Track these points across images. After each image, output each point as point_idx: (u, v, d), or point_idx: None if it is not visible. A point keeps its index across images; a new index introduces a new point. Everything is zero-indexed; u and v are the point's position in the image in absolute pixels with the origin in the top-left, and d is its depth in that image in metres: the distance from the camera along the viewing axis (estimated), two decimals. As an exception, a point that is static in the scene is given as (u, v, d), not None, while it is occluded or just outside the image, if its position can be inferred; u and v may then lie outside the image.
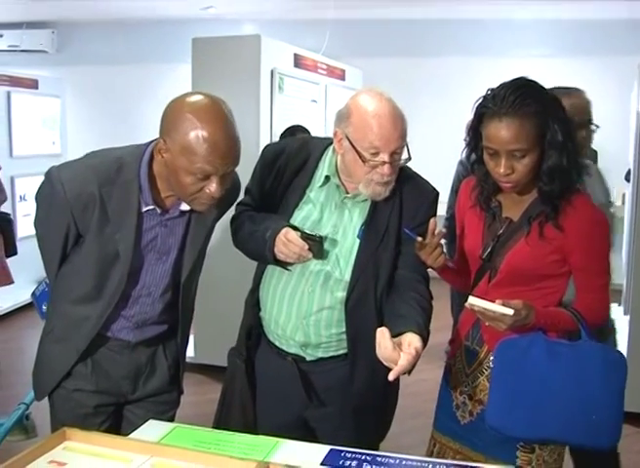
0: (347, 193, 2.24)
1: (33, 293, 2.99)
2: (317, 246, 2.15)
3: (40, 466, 1.78)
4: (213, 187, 1.96)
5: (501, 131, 2.02)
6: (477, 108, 2.13)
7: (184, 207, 2.12)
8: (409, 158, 2.18)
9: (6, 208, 5.84)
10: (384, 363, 1.94)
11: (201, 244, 2.24)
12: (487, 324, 2.06)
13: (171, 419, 2.34)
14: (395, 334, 1.97)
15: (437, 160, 6.08)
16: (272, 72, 5.16)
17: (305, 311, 2.24)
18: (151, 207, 2.08)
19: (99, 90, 9.79)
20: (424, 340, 2.00)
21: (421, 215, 2.26)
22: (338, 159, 2.24)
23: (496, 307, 1.97)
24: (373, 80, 7.45)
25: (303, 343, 2.27)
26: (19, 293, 6.92)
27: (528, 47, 8.37)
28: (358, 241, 2.23)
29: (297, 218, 2.26)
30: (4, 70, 7.40)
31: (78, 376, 2.22)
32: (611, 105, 7.71)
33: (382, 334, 1.95)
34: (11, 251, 5.77)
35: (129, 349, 2.25)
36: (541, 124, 2.03)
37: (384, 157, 2.09)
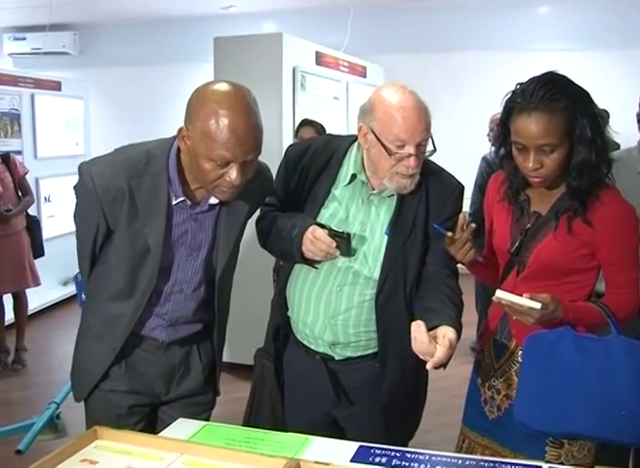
0: (373, 190, 2.23)
1: (75, 277, 2.98)
2: (345, 243, 2.14)
3: (72, 465, 1.79)
4: (233, 175, 1.94)
5: (530, 125, 2.00)
6: (506, 103, 2.11)
7: (213, 200, 2.11)
8: (434, 150, 2.17)
9: (32, 209, 5.90)
10: (421, 356, 1.94)
11: (234, 240, 2.22)
12: (514, 318, 2.05)
13: (205, 421, 2.31)
14: (429, 329, 1.96)
15: (460, 155, 6.03)
16: (294, 70, 5.17)
17: (333, 310, 2.24)
18: (181, 199, 2.07)
19: (121, 90, 9.85)
20: (458, 333, 2.00)
21: (448, 210, 2.25)
22: (363, 155, 2.24)
23: (523, 301, 1.95)
24: (394, 76, 7.44)
25: (332, 342, 2.27)
26: (46, 294, 6.99)
27: (548, 41, 8.31)
28: (386, 237, 2.22)
29: (323, 217, 2.25)
30: (28, 73, 7.49)
31: (113, 377, 2.22)
32: (631, 98, 7.66)
33: (418, 328, 1.94)
34: (38, 252, 5.84)
35: (162, 349, 2.24)
36: (571, 119, 2.01)
37: (410, 149, 2.08)
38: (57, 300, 7.28)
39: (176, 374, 2.28)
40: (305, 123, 4.78)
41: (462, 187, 2.31)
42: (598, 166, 2.06)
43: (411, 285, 2.23)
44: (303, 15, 8.80)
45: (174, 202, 2.07)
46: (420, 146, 2.10)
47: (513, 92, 2.09)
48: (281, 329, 2.41)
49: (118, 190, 2.02)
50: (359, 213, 2.25)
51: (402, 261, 2.21)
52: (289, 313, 2.37)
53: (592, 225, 2.07)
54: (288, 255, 2.27)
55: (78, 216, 2.16)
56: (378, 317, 2.22)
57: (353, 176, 2.24)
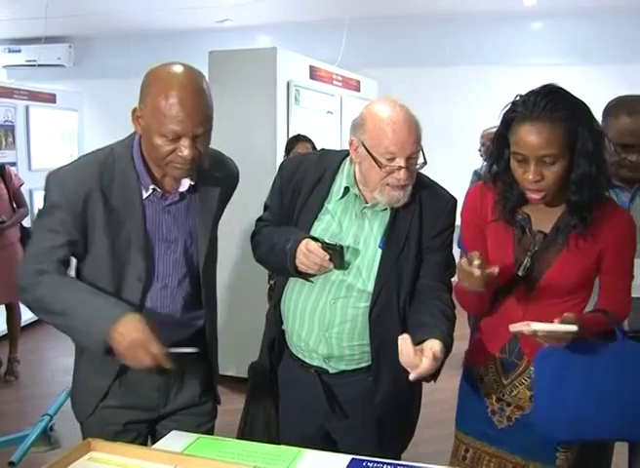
0: (367, 203, 2.25)
1: None
2: (338, 256, 2.15)
3: (65, 477, 1.80)
4: (184, 149, 1.96)
5: (532, 135, 1.97)
6: (505, 114, 2.08)
7: (183, 187, 2.13)
8: (425, 162, 2.19)
9: (26, 221, 5.90)
10: (407, 368, 1.95)
11: (210, 229, 2.22)
12: (546, 344, 2.03)
13: (209, 432, 2.31)
14: (418, 342, 1.98)
15: (452, 169, 6.06)
16: (288, 84, 5.20)
17: (328, 323, 2.25)
18: (152, 187, 2.08)
19: (115, 103, 9.81)
20: (448, 347, 2.02)
21: (441, 224, 2.27)
22: (355, 169, 2.26)
23: (560, 327, 1.94)
24: (388, 91, 7.49)
25: (326, 356, 2.28)
26: (38, 306, 6.96)
27: (541, 56, 8.35)
28: (380, 251, 2.23)
29: (316, 230, 2.26)
30: (22, 85, 7.50)
31: (107, 393, 2.20)
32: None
33: (404, 341, 1.96)
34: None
35: None
36: (572, 130, 1.98)
37: (401, 162, 2.10)
38: (49, 312, 7.26)
39: (172, 385, 2.24)
40: (302, 138, 4.79)
41: (455, 201, 2.32)
42: (598, 180, 2.05)
43: (404, 298, 2.24)
44: (298, 29, 8.85)
45: (145, 195, 2.08)
46: (410, 159, 2.11)
47: (513, 103, 2.07)
48: (276, 342, 2.41)
49: (90, 190, 2.02)
50: (352, 226, 2.26)
51: (396, 275, 2.22)
52: (284, 327, 2.38)
53: (599, 239, 2.08)
54: (282, 269, 2.28)
55: (44, 225, 2.10)
56: (371, 330, 2.23)
57: (346, 190, 2.26)
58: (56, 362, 6.02)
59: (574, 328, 1.93)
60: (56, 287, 2.01)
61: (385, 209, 2.24)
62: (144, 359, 1.87)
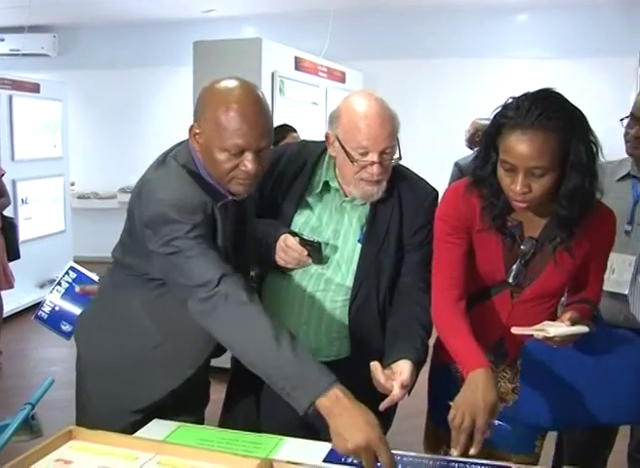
0: (346, 197, 2.25)
1: (39, 317, 2.88)
2: (316, 251, 2.16)
3: (46, 465, 1.80)
4: (248, 163, 1.92)
5: (523, 144, 1.84)
6: (496, 117, 1.95)
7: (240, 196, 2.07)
8: (399, 158, 2.18)
9: (8, 211, 5.87)
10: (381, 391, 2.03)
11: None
12: (556, 346, 2.00)
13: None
14: (391, 361, 2.07)
15: (437, 162, 6.08)
16: (273, 75, 5.20)
17: (306, 316, 2.25)
18: (229, 198, 2.03)
19: (100, 93, 9.81)
20: (421, 362, 2.11)
21: (421, 218, 2.25)
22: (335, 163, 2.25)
23: (575, 330, 1.95)
24: (373, 82, 7.49)
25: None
26: (20, 296, 6.95)
27: (527, 48, 8.38)
28: (359, 245, 2.23)
29: (296, 224, 2.26)
30: (6, 74, 7.44)
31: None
32: (611, 106, 7.73)
33: (375, 369, 2.04)
34: (13, 255, 5.80)
35: None
36: (566, 142, 1.86)
37: (373, 157, 2.09)
38: (32, 303, 7.21)
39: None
40: (291, 129, 4.79)
41: (436, 193, 2.30)
42: (591, 194, 1.95)
43: (384, 293, 2.25)
44: (283, 20, 8.82)
45: (218, 204, 2.01)
46: (383, 154, 2.11)
47: (505, 106, 1.94)
48: None
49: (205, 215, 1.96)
50: (332, 220, 2.26)
51: (375, 269, 2.22)
52: None
53: (588, 242, 2.05)
54: (263, 262, 2.28)
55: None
56: (350, 323, 2.24)
57: (325, 184, 2.26)
58: (38, 353, 6.01)
59: (586, 329, 1.95)
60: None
61: (365, 203, 2.24)
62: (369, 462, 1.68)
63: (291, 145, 2.47)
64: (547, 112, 1.83)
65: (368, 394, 2.27)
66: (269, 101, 5.08)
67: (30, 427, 2.37)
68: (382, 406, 1.98)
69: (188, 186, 1.96)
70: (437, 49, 8.60)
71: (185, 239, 1.88)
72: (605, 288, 2.28)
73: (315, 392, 1.70)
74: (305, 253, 2.13)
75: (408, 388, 2.04)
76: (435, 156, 6.98)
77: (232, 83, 1.96)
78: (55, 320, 2.76)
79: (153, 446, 1.87)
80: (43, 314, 2.80)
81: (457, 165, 5.41)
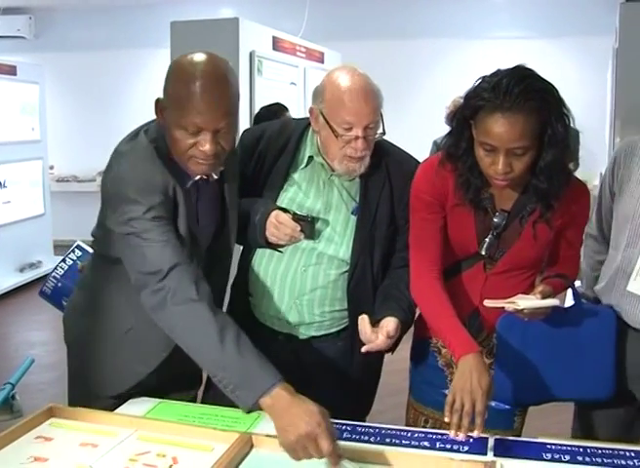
0: (333, 171, 2.24)
1: (43, 292, 2.90)
2: (309, 226, 2.16)
3: (27, 442, 1.82)
4: (205, 144, 1.85)
5: (503, 127, 1.84)
6: (472, 98, 1.93)
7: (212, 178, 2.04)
8: (383, 132, 2.19)
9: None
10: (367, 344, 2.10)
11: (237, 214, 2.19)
12: (527, 319, 2.04)
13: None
14: (380, 318, 2.12)
15: (416, 142, 6.08)
16: (251, 55, 5.18)
17: (299, 290, 2.26)
18: (197, 178, 2.00)
19: (77, 75, 9.74)
20: (407, 323, 2.17)
21: (407, 194, 2.23)
22: (318, 139, 2.25)
23: (545, 302, 1.98)
24: (351, 63, 7.49)
25: (297, 323, 2.29)
26: (1, 281, 6.92)
27: (503, 29, 8.42)
28: (353, 218, 2.25)
29: (283, 200, 2.26)
30: (-19, 57, 7.37)
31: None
32: (587, 86, 7.80)
33: (362, 321, 2.10)
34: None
35: None
36: (544, 120, 1.87)
37: (358, 132, 2.09)
38: (13, 287, 7.21)
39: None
40: (284, 109, 4.76)
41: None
42: (566, 166, 2.01)
43: (378, 265, 2.27)
44: (261, 0, 8.78)
45: (189, 184, 2.00)
46: (367, 129, 2.11)
47: (479, 86, 1.91)
48: (240, 316, 2.39)
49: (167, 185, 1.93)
50: (321, 195, 2.26)
51: (370, 242, 2.24)
52: (250, 298, 2.37)
53: (562, 215, 2.07)
54: (251, 241, 2.28)
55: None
56: (349, 296, 2.27)
57: (310, 159, 2.26)
58: (19, 336, 6.00)
59: (556, 301, 1.98)
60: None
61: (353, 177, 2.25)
62: (311, 454, 1.65)
63: (271, 124, 2.45)
64: (525, 92, 1.83)
65: (362, 365, 2.33)
66: (247, 82, 5.13)
67: (10, 407, 2.37)
68: (364, 349, 2.09)
69: (152, 164, 1.92)
70: (415, 29, 8.61)
71: (143, 220, 1.85)
72: (632, 290, 2.21)
73: (258, 392, 1.70)
74: (299, 228, 2.13)
75: (392, 340, 2.10)
76: (415, 135, 6.98)
77: (199, 57, 1.87)
78: (57, 295, 2.79)
79: (133, 422, 1.89)
80: (47, 290, 2.85)
81: (435, 143, 5.45)
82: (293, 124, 2.37)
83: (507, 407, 2.20)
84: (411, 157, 2.34)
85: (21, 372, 2.46)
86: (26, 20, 9.69)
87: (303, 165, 2.27)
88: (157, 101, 1.92)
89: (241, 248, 2.41)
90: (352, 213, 2.25)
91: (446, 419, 1.86)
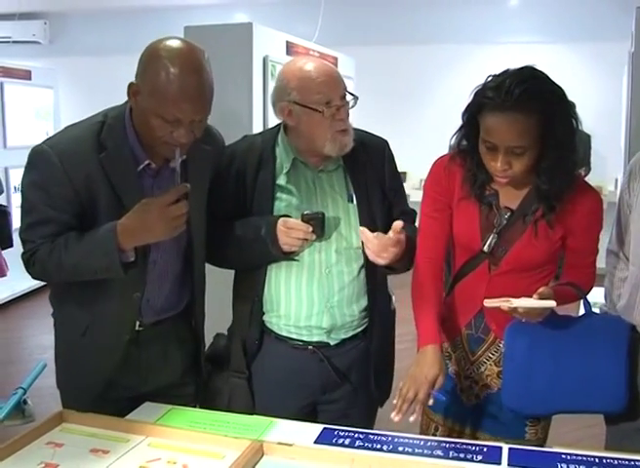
0: (317, 168, 2.28)
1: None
2: (319, 223, 2.17)
3: (37, 447, 1.82)
4: (181, 134, 1.91)
5: (503, 126, 1.88)
6: (477, 96, 1.97)
7: (174, 163, 2.04)
8: (356, 97, 2.24)
9: (1, 199, 5.86)
10: (372, 257, 2.14)
11: (204, 205, 2.18)
12: (524, 319, 2.02)
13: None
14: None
15: (430, 147, 6.06)
16: (264, 60, 5.17)
17: (328, 293, 2.25)
18: (146, 162, 2.03)
19: (91, 80, 9.77)
20: (412, 242, 2.19)
21: (389, 169, 2.38)
22: (294, 139, 2.27)
23: (539, 303, 1.95)
24: (365, 68, 7.47)
25: (330, 327, 2.27)
26: (15, 284, 6.94)
27: (517, 34, 8.38)
28: (351, 205, 2.27)
29: (280, 209, 2.25)
30: (-3, 61, 7.41)
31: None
32: (602, 91, 7.77)
33: (363, 232, 2.14)
34: (6, 243, 5.78)
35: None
36: (546, 122, 1.89)
37: (337, 102, 2.16)
38: (26, 291, 7.23)
39: (155, 362, 2.20)
40: None
41: (386, 141, 2.43)
42: (571, 170, 2.02)
43: None
44: (275, 5, 8.79)
45: (139, 167, 2.03)
46: (343, 98, 2.19)
47: (485, 85, 1.95)
48: (247, 340, 2.33)
49: (90, 167, 1.96)
50: (312, 193, 2.27)
51: (373, 221, 2.26)
52: (270, 316, 2.32)
53: (567, 219, 2.06)
54: (260, 258, 2.25)
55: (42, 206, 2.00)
56: (368, 286, 2.31)
57: (294, 161, 2.27)
58: (33, 340, 6.01)
59: (552, 303, 1.94)
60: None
61: (337, 168, 2.29)
62: (168, 218, 1.88)
63: (236, 144, 2.40)
64: (527, 93, 1.86)
65: (379, 359, 2.38)
66: (261, 86, 5.12)
67: (22, 412, 2.37)
68: (364, 236, 2.13)
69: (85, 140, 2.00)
70: (429, 35, 8.59)
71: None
72: None
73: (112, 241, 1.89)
74: (310, 229, 2.14)
75: (401, 234, 2.11)
76: (429, 141, 6.97)
77: (176, 48, 1.92)
78: None
79: (144, 428, 1.88)
80: None
81: (451, 149, 5.43)
82: (259, 138, 2.37)
83: (513, 415, 2.16)
84: (374, 135, 2.42)
85: (34, 377, 2.46)
86: (41, 25, 9.74)
87: (286, 169, 2.27)
88: (130, 85, 1.98)
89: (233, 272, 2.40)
90: (349, 200, 2.28)
91: (394, 402, 1.94)
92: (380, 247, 2.11)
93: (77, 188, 1.96)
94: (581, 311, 2.20)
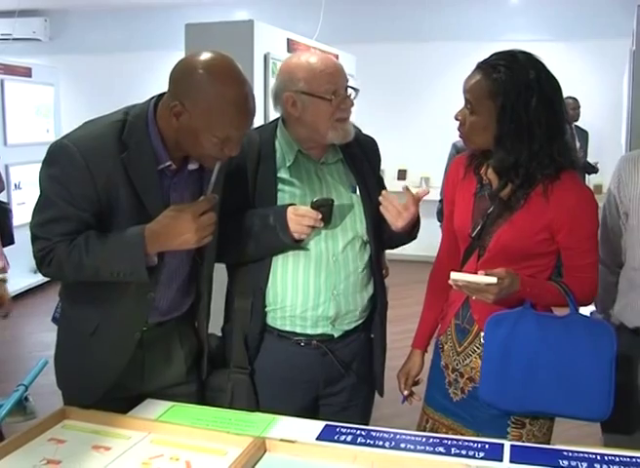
0: (319, 160, 2.32)
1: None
2: (329, 210, 2.19)
3: (40, 444, 1.81)
4: (233, 149, 1.94)
5: (467, 78, 2.14)
6: None
7: (193, 165, 2.06)
8: (357, 89, 2.31)
9: (2, 196, 5.85)
10: (391, 220, 2.21)
11: (218, 209, 2.12)
12: (474, 298, 2.05)
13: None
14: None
15: (433, 144, 6.08)
16: (265, 57, 5.17)
17: (335, 280, 2.26)
18: (167, 163, 2.00)
19: (92, 77, 9.78)
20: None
21: (376, 163, 2.50)
22: (295, 131, 2.30)
23: (479, 278, 1.96)
24: (366, 65, 7.47)
25: (335, 316, 2.27)
26: (15, 282, 6.91)
27: (519, 32, 8.38)
28: (354, 195, 2.32)
29: (284, 201, 2.26)
30: (-3, 59, 7.41)
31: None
32: (604, 89, 7.77)
33: (385, 195, 2.23)
34: (8, 240, 5.77)
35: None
36: (502, 96, 2.05)
37: (342, 92, 2.25)
38: (26, 288, 7.24)
39: (157, 361, 2.18)
40: None
41: (374, 139, 2.54)
42: (527, 162, 2.07)
43: (383, 232, 2.36)
44: (275, 2, 8.79)
45: (159, 167, 2.00)
46: (347, 89, 2.27)
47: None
48: (249, 334, 2.32)
49: (112, 166, 1.94)
50: (316, 184, 2.30)
51: (376, 210, 2.27)
52: (274, 311, 2.30)
53: (549, 210, 2.07)
54: (269, 247, 2.26)
55: (63, 203, 1.95)
56: (374, 275, 2.37)
57: (298, 153, 2.29)
58: (33, 338, 6.02)
59: (492, 279, 1.93)
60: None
61: (337, 160, 2.35)
62: (199, 227, 1.90)
63: None
64: (495, 63, 2.08)
65: (380, 351, 2.43)
66: (262, 84, 5.11)
67: (24, 409, 2.38)
68: (385, 198, 2.21)
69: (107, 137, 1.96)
70: (431, 32, 8.60)
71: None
72: None
73: (139, 246, 1.90)
74: (320, 216, 2.16)
75: (419, 197, 2.21)
76: (431, 138, 6.99)
77: (217, 64, 1.90)
78: None
79: (146, 425, 1.88)
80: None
81: (454, 146, 5.42)
82: (256, 134, 2.35)
83: (495, 412, 2.15)
84: (366, 136, 2.51)
85: (35, 374, 2.47)
86: (42, 23, 9.75)
87: (290, 162, 2.29)
88: (174, 106, 1.89)
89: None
90: (353, 191, 2.34)
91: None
92: (401, 206, 2.19)
93: (98, 188, 1.93)
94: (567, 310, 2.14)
